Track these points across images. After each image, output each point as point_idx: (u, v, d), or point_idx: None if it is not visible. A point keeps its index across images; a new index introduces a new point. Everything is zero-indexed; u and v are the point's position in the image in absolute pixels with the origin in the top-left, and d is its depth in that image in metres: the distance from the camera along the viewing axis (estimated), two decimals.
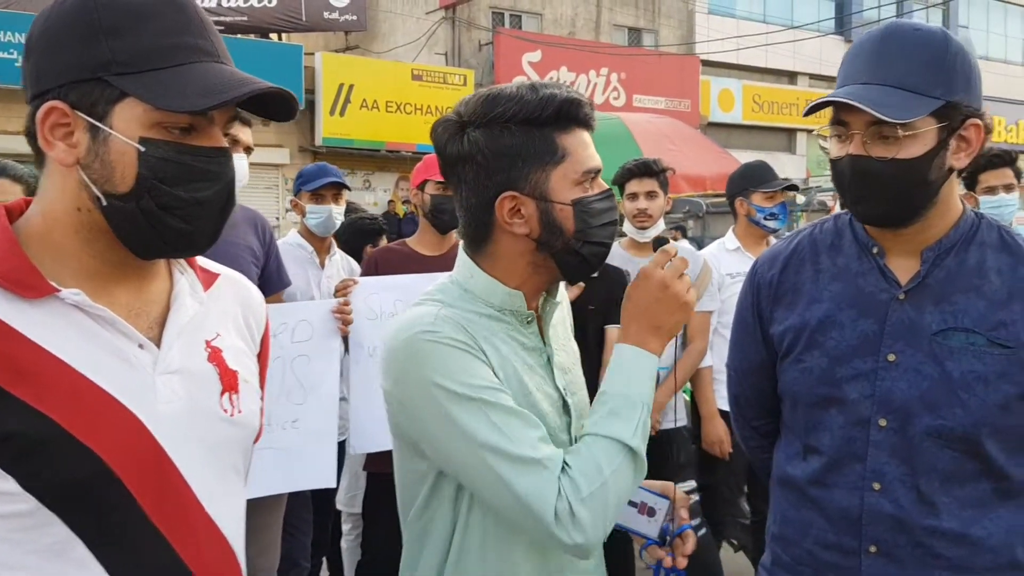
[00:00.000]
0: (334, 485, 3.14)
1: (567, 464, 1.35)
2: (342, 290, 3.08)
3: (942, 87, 1.46)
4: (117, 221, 1.13)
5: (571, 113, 1.41)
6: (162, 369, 1.17)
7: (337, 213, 3.70)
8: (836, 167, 1.56)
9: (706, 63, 19.94)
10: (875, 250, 1.61)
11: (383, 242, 4.64)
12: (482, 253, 1.47)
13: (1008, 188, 3.68)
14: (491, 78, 17.34)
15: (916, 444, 1.53)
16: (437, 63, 17.21)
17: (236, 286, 1.37)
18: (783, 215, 3.84)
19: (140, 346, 1.16)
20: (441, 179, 3.20)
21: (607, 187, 1.48)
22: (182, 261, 1.28)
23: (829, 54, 22.64)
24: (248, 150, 2.98)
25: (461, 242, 1.53)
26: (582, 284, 3.38)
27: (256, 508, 2.71)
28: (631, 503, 1.58)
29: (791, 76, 22.26)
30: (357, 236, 4.56)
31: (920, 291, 1.56)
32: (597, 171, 1.45)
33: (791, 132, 21.60)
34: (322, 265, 3.75)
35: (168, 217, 1.13)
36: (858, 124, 1.49)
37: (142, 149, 1.10)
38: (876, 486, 1.56)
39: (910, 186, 1.49)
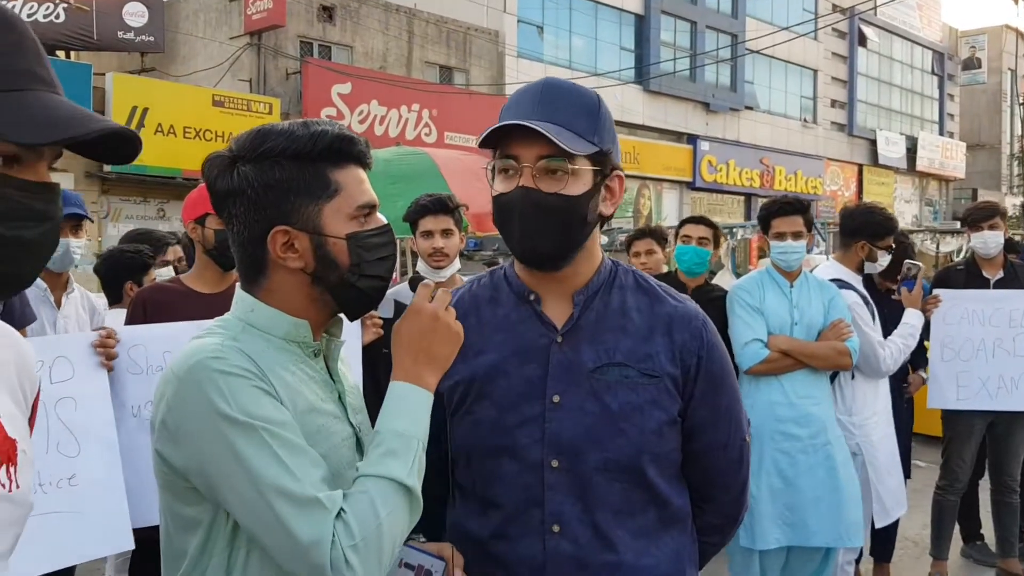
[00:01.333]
0: (132, 547, 2.71)
1: (342, 509, 1.30)
2: (101, 347, 2.70)
3: (597, 136, 1.58)
4: None
5: (343, 149, 1.42)
6: None
7: (76, 247, 3.31)
8: (502, 201, 1.60)
9: None
10: (532, 297, 1.68)
11: (150, 278, 4.07)
12: (259, 287, 1.44)
13: (796, 235, 3.82)
14: (299, 108, 16.91)
15: (588, 480, 1.60)
16: (241, 90, 16.57)
17: (7, 341, 1.22)
18: None
19: None
20: None
21: (384, 223, 1.49)
22: None
23: (629, 102, 23.77)
24: None
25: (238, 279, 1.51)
26: (380, 326, 3.20)
27: None
28: (408, 565, 1.56)
29: None
30: (117, 271, 3.94)
31: (575, 333, 1.64)
32: (372, 207, 1.46)
33: None
34: (58, 304, 3.34)
35: None
36: (529, 157, 1.55)
37: None
38: (556, 528, 1.60)
39: (572, 222, 1.59)
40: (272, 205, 1.38)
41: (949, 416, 4.73)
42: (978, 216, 4.68)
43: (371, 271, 1.44)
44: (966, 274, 4.75)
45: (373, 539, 1.29)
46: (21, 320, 2.85)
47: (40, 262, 1.10)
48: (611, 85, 21.72)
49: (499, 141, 1.59)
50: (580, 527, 1.60)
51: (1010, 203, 32.05)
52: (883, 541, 4.64)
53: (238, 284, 1.48)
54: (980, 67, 36.00)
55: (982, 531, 5.32)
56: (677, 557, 1.68)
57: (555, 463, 1.60)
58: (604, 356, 1.62)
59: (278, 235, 1.39)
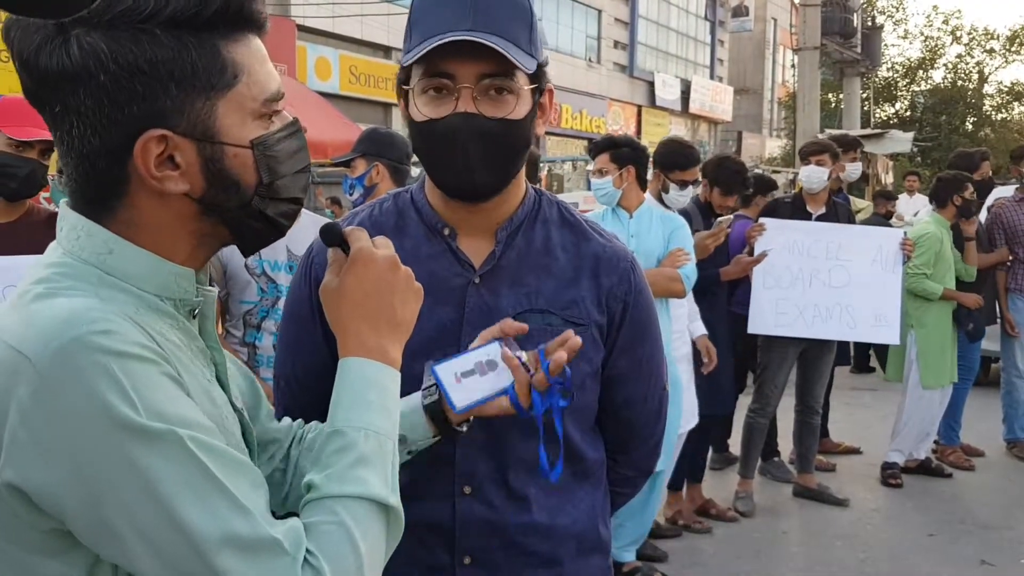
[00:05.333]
0: None
1: (309, 551, 0.92)
2: None
3: (534, 46, 1.38)
4: None
5: (243, 11, 0.98)
6: None
7: None
8: (438, 130, 1.36)
9: (302, 28, 19.33)
10: (446, 231, 1.48)
11: None
12: (112, 218, 0.98)
13: (602, 173, 3.94)
14: None
15: (504, 437, 1.46)
16: None
17: None
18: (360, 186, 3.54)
19: None
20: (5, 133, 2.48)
21: (292, 118, 1.07)
22: None
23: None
24: None
25: (63, 202, 1.02)
26: None
27: None
28: (465, 373, 1.30)
29: (386, 50, 22.47)
30: None
31: (495, 273, 1.48)
32: (281, 97, 1.04)
33: (387, 107, 21.81)
34: None
35: None
36: (468, 77, 1.33)
37: None
38: (467, 489, 1.46)
39: (516, 151, 1.40)
40: (141, 97, 0.93)
41: (765, 343, 4.94)
42: (807, 150, 4.90)
43: (286, 191, 1.05)
44: (792, 207, 4.96)
45: None
46: None
47: None
48: (385, 14, 21.09)
49: (423, 54, 1.32)
50: (493, 488, 1.46)
51: (774, 145, 34.62)
52: (693, 464, 4.82)
53: (65, 206, 1.01)
54: (748, 15, 38.22)
55: (779, 449, 5.68)
56: (591, 513, 1.57)
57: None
58: (525, 301, 1.46)
59: (151, 144, 0.95)
